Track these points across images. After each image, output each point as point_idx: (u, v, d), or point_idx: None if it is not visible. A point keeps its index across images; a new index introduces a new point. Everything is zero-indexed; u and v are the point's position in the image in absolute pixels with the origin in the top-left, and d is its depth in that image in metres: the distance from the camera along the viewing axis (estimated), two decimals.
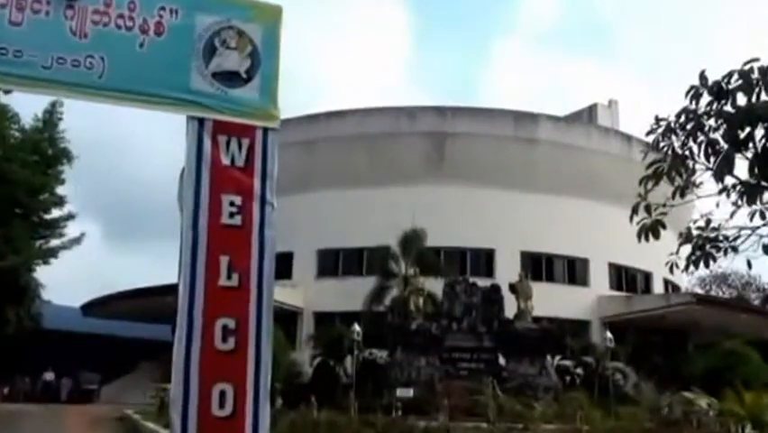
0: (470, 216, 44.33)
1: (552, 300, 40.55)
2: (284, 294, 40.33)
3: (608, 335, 35.63)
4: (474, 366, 33.53)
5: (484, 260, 46.03)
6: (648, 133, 6.57)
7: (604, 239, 45.70)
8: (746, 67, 5.87)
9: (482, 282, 37.05)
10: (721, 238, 6.29)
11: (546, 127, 47.58)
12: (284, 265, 43.92)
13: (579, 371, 38.00)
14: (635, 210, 6.48)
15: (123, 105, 4.82)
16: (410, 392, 30.88)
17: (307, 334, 41.79)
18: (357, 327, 34.40)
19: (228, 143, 5.04)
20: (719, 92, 6.07)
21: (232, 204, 4.97)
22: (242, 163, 5.05)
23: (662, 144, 6.43)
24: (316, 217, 45.86)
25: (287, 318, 40.69)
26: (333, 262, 46.92)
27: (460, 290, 35.53)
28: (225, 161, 5.01)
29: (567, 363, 38.26)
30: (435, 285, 36.60)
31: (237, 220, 4.97)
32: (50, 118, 34.95)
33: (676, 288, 52.18)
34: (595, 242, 46.08)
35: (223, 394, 4.74)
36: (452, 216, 43.83)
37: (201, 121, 5.00)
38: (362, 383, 32.66)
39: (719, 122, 6.07)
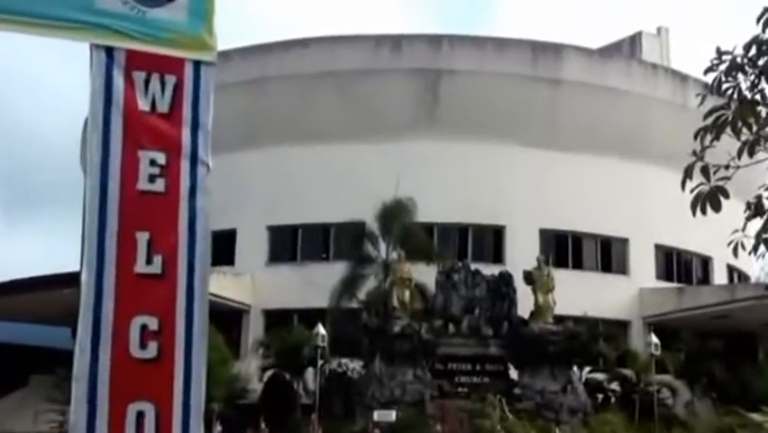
0: (472, 182, 44.47)
1: (580, 294, 40.81)
2: (224, 285, 40.31)
3: (653, 339, 36.07)
4: (477, 381, 33.82)
5: (491, 240, 46.28)
6: (708, 71, 6.57)
7: (649, 212, 46.04)
8: None
9: (488, 270, 37.30)
10: None
11: (575, 63, 47.70)
12: (224, 247, 43.85)
13: (614, 386, 38.43)
14: (688, 173, 6.48)
15: (5, 30, 4.77)
16: (392, 415, 31.10)
17: (255, 338, 41.89)
18: (321, 330, 34.51)
19: (147, 82, 4.99)
20: None
21: (152, 163, 4.93)
22: (165, 109, 5.01)
23: (725, 86, 6.45)
24: (267, 183, 45.84)
25: (228, 318, 40.68)
26: (290, 243, 47.00)
27: (459, 279, 35.76)
28: (143, 105, 4.96)
29: (599, 376, 38.68)
30: (426, 273, 36.78)
31: (159, 185, 4.94)
32: None
33: (744, 277, 52.71)
34: (637, 216, 46.42)
35: (141, 417, 4.74)
36: (448, 182, 43.99)
37: (110, 51, 4.93)
38: (329, 404, 32.84)
39: None
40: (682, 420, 34.83)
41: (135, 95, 4.96)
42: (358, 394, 33.01)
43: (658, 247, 48.25)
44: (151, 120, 4.97)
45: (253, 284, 44.90)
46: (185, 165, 5.00)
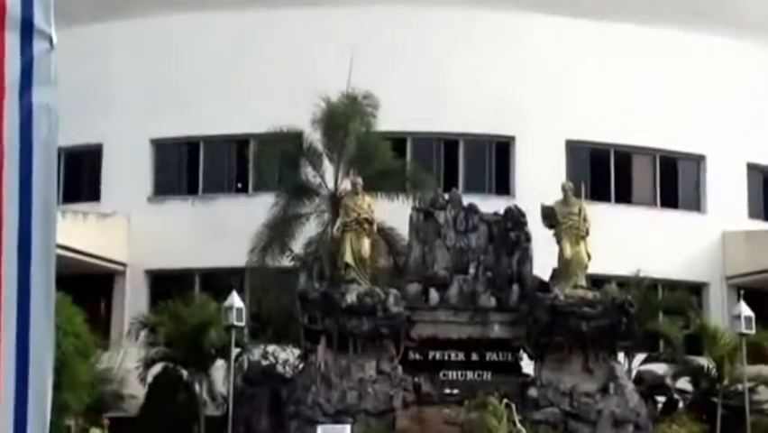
0: (464, 69, 44.47)
1: (629, 241, 41.10)
2: (84, 233, 40.19)
3: (744, 310, 36.22)
4: (473, 377, 34.00)
5: (494, 158, 46.56)
6: None
7: (737, 115, 46.22)
8: None
9: (490, 205, 37.38)
10: None
11: None
12: (84, 172, 43.71)
13: (683, 384, 38.70)
14: None
15: None
16: (345, 431, 31.21)
17: (135, 315, 41.80)
18: (237, 301, 34.47)
19: None
20: None
21: None
22: None
23: None
24: (150, 71, 45.53)
25: (92, 284, 40.67)
26: (187, 167, 47.07)
27: (444, 221, 35.75)
28: None
29: (659, 368, 38.93)
30: (396, 211, 36.87)
31: None
32: None
33: None
34: (718, 121, 46.61)
35: None
36: (428, 69, 43.98)
37: None
38: (249, 415, 32.90)
39: None
40: None
41: None
42: (294, 401, 33.07)
43: (752, 168, 48.48)
44: None
45: (130, 231, 44.85)
46: (11, 40, 4.89)
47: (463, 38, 44.50)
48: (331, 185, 39.00)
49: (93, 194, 44.92)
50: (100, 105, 41.69)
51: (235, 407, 32.86)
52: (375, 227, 35.49)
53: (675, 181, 47.81)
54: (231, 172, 46.51)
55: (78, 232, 37.93)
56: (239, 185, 46.14)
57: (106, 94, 42.91)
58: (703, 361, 38.56)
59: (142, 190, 46.09)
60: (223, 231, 40.77)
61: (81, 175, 43.18)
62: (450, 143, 45.86)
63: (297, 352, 35.78)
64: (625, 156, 47.04)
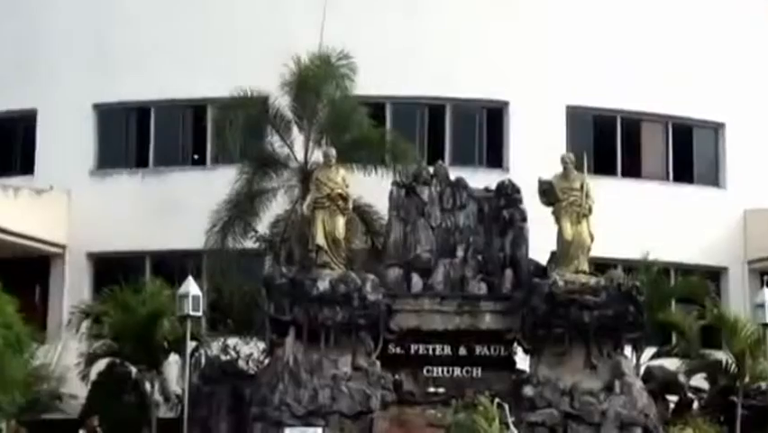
0: (450, 25, 44.32)
1: (638, 221, 41.13)
2: (18, 211, 40.02)
3: None
4: (460, 374, 33.91)
5: (484, 126, 46.56)
6: None
7: (758, 79, 46.31)
8: None
9: (480, 179, 37.26)
10: None
11: None
12: (15, 142, 43.61)
13: (698, 381, 38.62)
14: None
15: None
16: None
17: (75, 305, 41.59)
18: (193, 288, 34.30)
19: None
20: None
21: None
22: None
23: None
24: (93, 26, 45.16)
25: (26, 269, 40.61)
26: (136, 136, 46.96)
27: (429, 197, 35.58)
28: None
29: (671, 363, 38.88)
30: (374, 186, 36.87)
31: None
32: None
33: None
34: (738, 85, 46.62)
35: None
36: (409, 25, 43.91)
37: None
38: (207, 417, 32.82)
39: None
40: None
41: None
42: (258, 401, 32.90)
43: None
44: None
45: (70, 208, 44.66)
46: None
47: None
48: (300, 156, 38.74)
49: (26, 166, 44.72)
50: (34, 65, 41.56)
51: (191, 408, 32.76)
52: (350, 204, 35.16)
53: (690, 153, 47.79)
54: (186, 142, 46.29)
55: (10, 209, 37.86)
56: (195, 156, 45.94)
57: (41, 53, 42.73)
58: (721, 355, 38.40)
59: (84, 162, 45.85)
60: (177, 209, 40.67)
61: (12, 145, 43.13)
62: (435, 109, 45.76)
63: (261, 345, 35.57)
64: (633, 124, 47.03)
